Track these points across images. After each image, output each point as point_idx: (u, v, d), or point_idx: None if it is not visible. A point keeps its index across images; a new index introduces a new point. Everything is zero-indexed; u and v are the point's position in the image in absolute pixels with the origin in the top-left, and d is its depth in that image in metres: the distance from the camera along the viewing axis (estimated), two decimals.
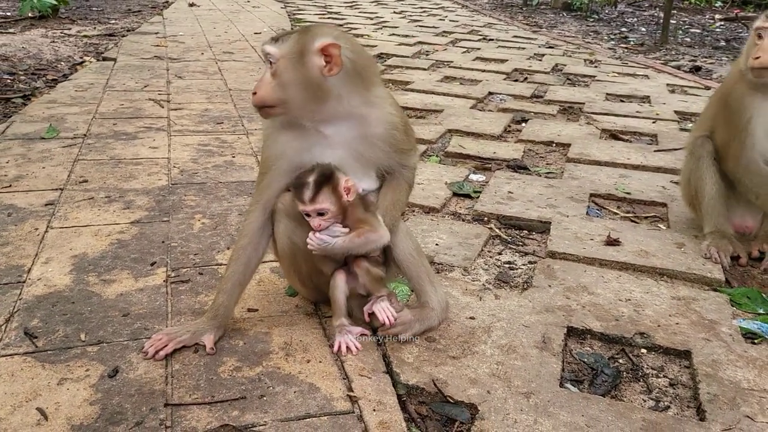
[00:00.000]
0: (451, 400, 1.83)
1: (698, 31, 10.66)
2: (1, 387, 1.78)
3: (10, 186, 3.11)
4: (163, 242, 2.64)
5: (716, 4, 14.05)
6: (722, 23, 11.51)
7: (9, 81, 5.50)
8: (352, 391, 1.82)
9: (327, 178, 1.92)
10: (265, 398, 1.78)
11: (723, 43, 9.35)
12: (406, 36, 8.73)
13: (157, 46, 7.08)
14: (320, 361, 1.95)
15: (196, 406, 1.75)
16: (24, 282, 2.30)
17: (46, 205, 2.93)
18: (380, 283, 2.08)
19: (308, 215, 1.95)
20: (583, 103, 5.32)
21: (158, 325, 2.09)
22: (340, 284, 2.06)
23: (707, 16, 12.65)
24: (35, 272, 2.37)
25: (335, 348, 2.00)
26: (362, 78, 1.94)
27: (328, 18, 10.30)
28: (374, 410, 1.75)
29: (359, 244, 1.98)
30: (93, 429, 1.65)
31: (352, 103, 1.93)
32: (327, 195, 1.92)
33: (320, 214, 1.93)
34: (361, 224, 1.98)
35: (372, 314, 2.06)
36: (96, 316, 2.13)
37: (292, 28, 1.97)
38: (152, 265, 2.47)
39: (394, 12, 11.94)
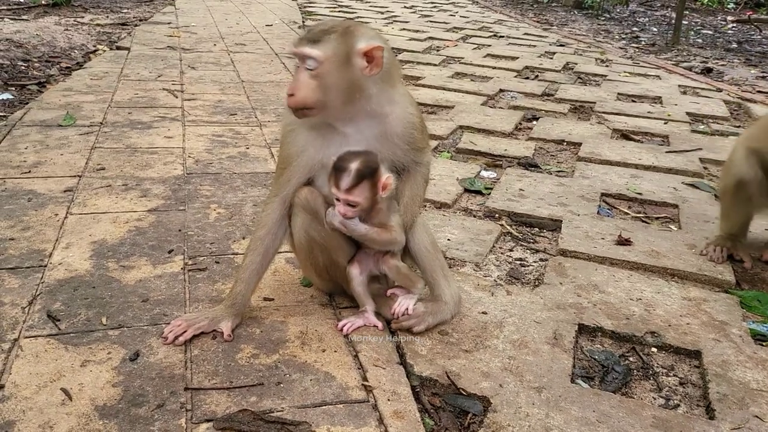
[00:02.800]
0: (464, 393, 1.86)
1: (710, 32, 10.64)
2: (26, 367, 1.82)
3: (30, 172, 3.16)
4: (179, 230, 2.68)
5: (729, 6, 14.01)
6: (734, 25, 11.48)
7: (24, 68, 5.54)
8: (367, 381, 1.86)
9: (371, 172, 1.90)
10: (282, 385, 1.82)
11: (735, 45, 9.34)
12: (417, 31, 8.74)
13: (170, 36, 7.11)
14: (335, 351, 1.99)
15: (215, 390, 1.79)
16: (45, 266, 2.35)
17: (65, 191, 2.97)
18: (413, 278, 2.12)
19: (337, 199, 1.94)
20: (595, 103, 5.33)
21: (177, 312, 2.13)
22: (356, 276, 2.10)
23: (719, 18, 12.61)
24: (56, 257, 2.41)
25: (339, 326, 2.09)
26: (390, 77, 1.98)
27: (339, 12, 10.30)
28: (388, 400, 1.79)
29: (376, 240, 2.02)
30: (116, 410, 1.69)
31: (379, 102, 1.96)
32: (365, 189, 1.90)
33: (350, 204, 1.93)
34: (382, 225, 2.01)
35: (388, 306, 2.11)
36: (116, 300, 2.17)
37: (321, 25, 1.95)
38: (169, 252, 2.51)
39: (405, 7, 11.94)
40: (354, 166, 1.88)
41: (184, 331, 2.00)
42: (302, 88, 1.89)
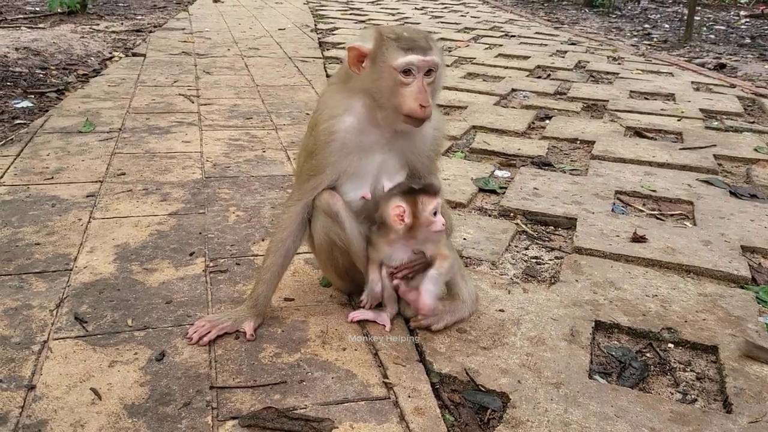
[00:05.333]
0: (483, 389, 1.90)
1: (723, 27, 10.58)
2: (56, 368, 1.88)
3: (53, 178, 3.23)
4: (200, 233, 2.73)
5: (741, 1, 13.92)
6: (747, 20, 11.42)
7: (42, 75, 5.64)
8: (388, 378, 1.90)
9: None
10: (304, 383, 1.86)
11: (748, 41, 9.29)
12: (428, 32, 8.75)
13: (184, 42, 7.20)
14: (356, 350, 2.03)
15: (240, 389, 1.83)
16: (71, 270, 2.41)
17: (87, 196, 3.03)
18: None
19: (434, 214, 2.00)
20: (607, 101, 5.34)
21: (200, 313, 2.18)
22: (380, 280, 2.15)
23: (732, 13, 12.54)
24: (81, 260, 2.47)
25: (350, 316, 2.17)
26: None
27: (351, 14, 10.37)
28: (409, 396, 1.82)
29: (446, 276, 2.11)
30: (144, 409, 1.74)
31: None
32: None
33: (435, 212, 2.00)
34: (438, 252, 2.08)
35: (407, 304, 2.15)
36: (141, 303, 2.22)
37: (412, 32, 1.97)
38: (191, 255, 2.56)
39: (416, 8, 11.98)
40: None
41: (208, 332, 2.04)
42: (430, 97, 1.93)
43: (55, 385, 1.81)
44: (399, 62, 1.88)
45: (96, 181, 3.21)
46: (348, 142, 2.01)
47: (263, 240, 2.67)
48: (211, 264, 2.50)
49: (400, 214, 1.97)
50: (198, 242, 2.66)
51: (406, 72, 1.90)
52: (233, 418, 1.72)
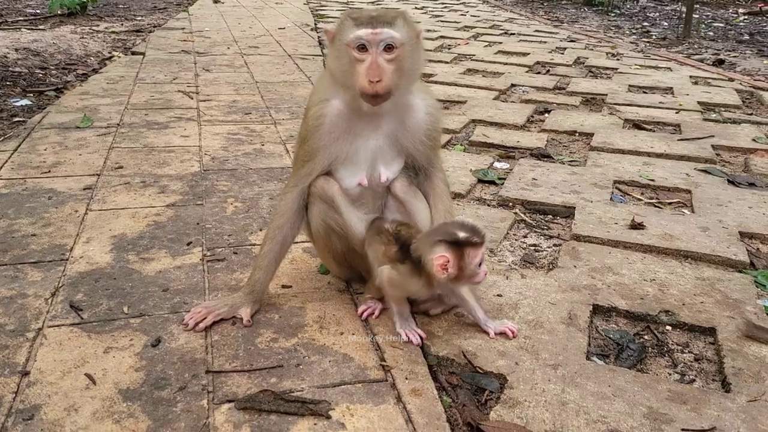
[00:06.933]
0: (481, 371, 1.89)
1: (721, 25, 10.57)
2: (50, 355, 1.87)
3: (50, 171, 3.22)
4: (197, 224, 2.73)
5: None
6: (746, 17, 11.41)
7: (41, 75, 5.64)
8: (385, 361, 1.89)
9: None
10: (301, 367, 1.86)
11: (747, 37, 9.28)
12: (428, 30, 8.77)
13: (184, 41, 7.20)
14: (353, 334, 2.02)
15: (236, 373, 1.82)
16: (67, 260, 2.40)
17: (84, 189, 3.03)
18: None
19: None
20: (606, 95, 5.33)
21: (197, 300, 2.17)
22: None
23: (731, 11, 12.53)
24: (77, 251, 2.47)
25: (360, 311, 2.12)
26: None
27: None
28: (406, 379, 1.82)
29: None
30: (139, 393, 1.73)
31: (408, 91, 2.00)
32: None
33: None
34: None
35: None
36: (137, 291, 2.21)
37: (376, 10, 1.93)
38: (188, 244, 2.55)
39: (416, 8, 11.99)
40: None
41: (205, 318, 2.04)
42: (386, 72, 1.86)
43: (50, 371, 1.80)
44: (350, 38, 1.86)
45: (93, 175, 3.20)
46: (336, 126, 2.01)
47: (261, 230, 2.67)
48: (209, 253, 2.50)
49: (444, 264, 1.83)
50: (195, 232, 2.66)
51: (361, 48, 1.87)
52: (229, 401, 1.71)
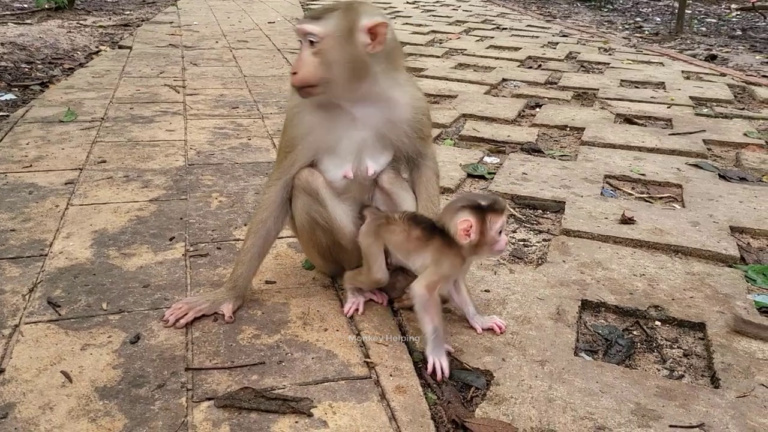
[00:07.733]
0: (467, 367, 1.85)
1: (714, 20, 10.57)
2: (26, 352, 1.82)
3: (31, 166, 3.17)
4: (181, 219, 2.68)
5: None
6: (738, 13, 11.41)
7: (27, 69, 5.57)
8: (369, 358, 1.85)
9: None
10: (283, 364, 1.81)
11: (739, 33, 9.27)
12: (420, 25, 8.73)
13: (172, 34, 7.13)
14: (337, 330, 1.98)
15: (217, 370, 1.78)
16: (46, 255, 2.35)
17: (65, 183, 2.97)
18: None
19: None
20: (598, 89, 5.31)
21: (178, 296, 2.13)
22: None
23: (723, 6, 12.53)
24: (57, 246, 2.42)
25: (346, 309, 2.08)
26: (393, 59, 1.97)
27: None
28: (391, 375, 1.78)
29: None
30: (117, 391, 1.68)
31: (384, 84, 1.95)
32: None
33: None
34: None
35: (390, 287, 2.10)
36: (117, 287, 2.17)
37: (327, 5, 1.95)
38: (171, 240, 2.51)
39: (408, 2, 11.93)
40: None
41: (185, 314, 1.99)
42: (305, 65, 1.87)
43: (25, 369, 1.75)
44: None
45: (75, 169, 3.15)
46: (314, 115, 1.99)
47: (245, 225, 2.62)
48: (192, 248, 2.45)
49: (467, 228, 1.82)
50: (179, 227, 2.61)
51: (301, 42, 1.91)
52: (208, 399, 1.67)
